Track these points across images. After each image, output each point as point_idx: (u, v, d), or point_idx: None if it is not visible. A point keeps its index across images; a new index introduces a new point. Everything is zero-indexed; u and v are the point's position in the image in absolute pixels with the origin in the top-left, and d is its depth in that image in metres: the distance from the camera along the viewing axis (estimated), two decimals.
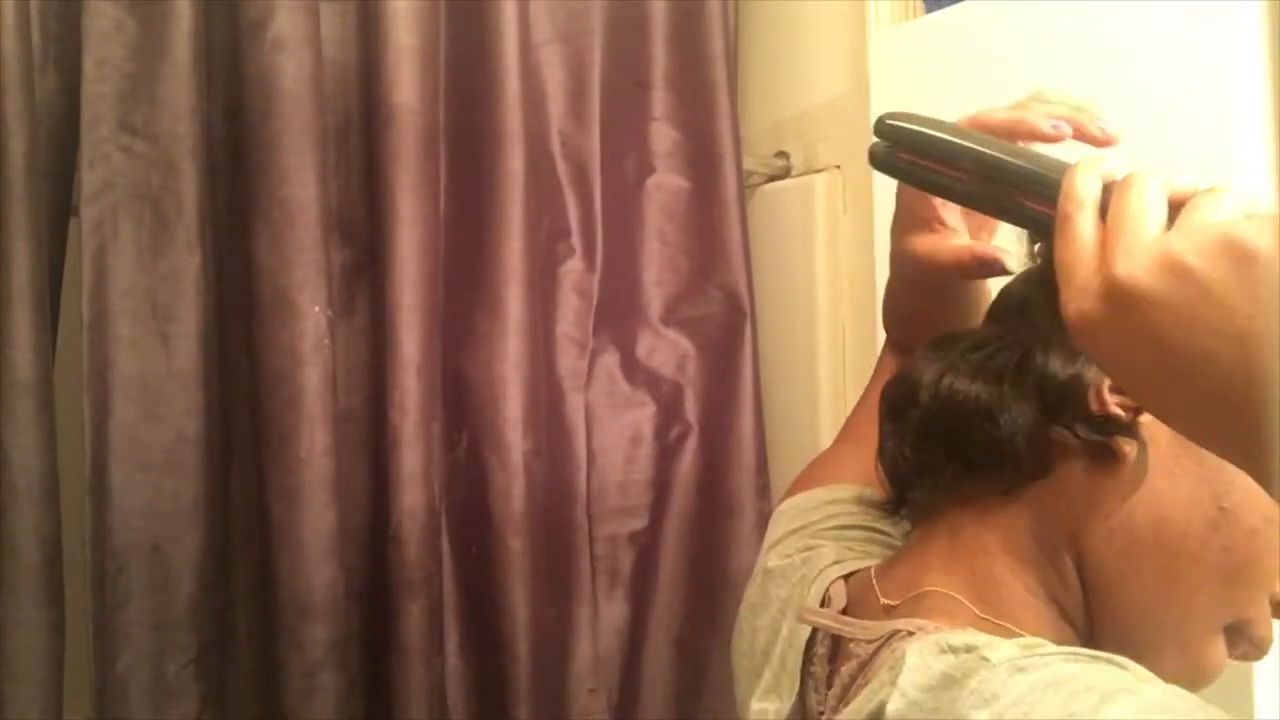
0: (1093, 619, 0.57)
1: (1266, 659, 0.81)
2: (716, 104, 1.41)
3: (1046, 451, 0.57)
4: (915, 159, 0.55)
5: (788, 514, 0.76)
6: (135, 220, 1.14)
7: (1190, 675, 0.56)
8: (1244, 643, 0.58)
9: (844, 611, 0.62)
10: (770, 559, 0.72)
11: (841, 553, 0.68)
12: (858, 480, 0.74)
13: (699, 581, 1.38)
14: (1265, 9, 0.84)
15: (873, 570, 0.63)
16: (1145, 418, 0.55)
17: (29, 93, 1.07)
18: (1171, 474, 0.55)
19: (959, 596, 0.57)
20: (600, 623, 1.34)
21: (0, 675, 1.05)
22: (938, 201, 0.63)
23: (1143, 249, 0.42)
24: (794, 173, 1.45)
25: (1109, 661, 0.48)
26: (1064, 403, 0.56)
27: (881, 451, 0.65)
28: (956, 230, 0.65)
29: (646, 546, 1.39)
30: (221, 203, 1.19)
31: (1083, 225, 0.45)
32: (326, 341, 1.15)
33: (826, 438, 1.42)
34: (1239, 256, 0.40)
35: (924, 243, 0.65)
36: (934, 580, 0.58)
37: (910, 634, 0.54)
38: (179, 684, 1.13)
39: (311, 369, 1.13)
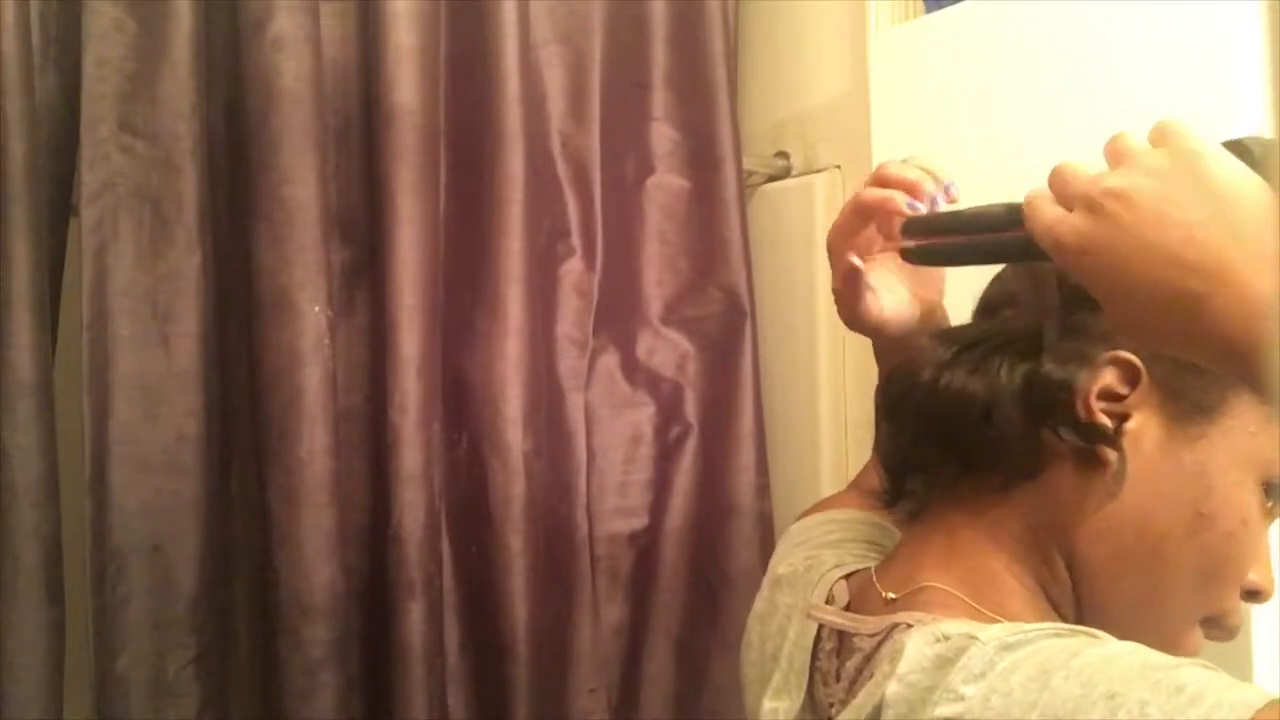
0: (1080, 610, 0.61)
1: (1266, 660, 0.81)
2: (716, 104, 1.41)
3: (1038, 452, 0.60)
4: (931, 245, 0.62)
5: (792, 535, 0.80)
6: (135, 220, 1.14)
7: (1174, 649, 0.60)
8: (1217, 629, 0.62)
9: (847, 608, 0.65)
10: (776, 570, 0.76)
11: (841, 558, 0.71)
12: (859, 509, 0.78)
13: (699, 581, 1.38)
14: (1265, 9, 0.84)
15: (873, 569, 0.65)
16: (1131, 424, 0.58)
17: (29, 93, 1.07)
18: (1154, 480, 0.58)
19: (955, 591, 0.59)
20: (600, 623, 1.34)
21: (0, 675, 1.05)
22: (869, 268, 0.70)
23: (1128, 162, 0.48)
24: (794, 173, 1.45)
25: (1086, 633, 0.52)
26: (1053, 406, 0.59)
27: (879, 449, 0.67)
28: (885, 288, 0.71)
29: (646, 546, 1.39)
30: (221, 203, 1.19)
31: (1046, 198, 0.51)
32: (326, 341, 1.15)
33: (826, 438, 1.42)
34: (1195, 155, 0.47)
35: (859, 309, 0.70)
36: (931, 576, 0.61)
37: (910, 626, 0.56)
38: (179, 684, 1.13)
39: (311, 369, 1.13)
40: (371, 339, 1.24)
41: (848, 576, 0.68)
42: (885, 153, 1.17)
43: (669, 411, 1.41)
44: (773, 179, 1.48)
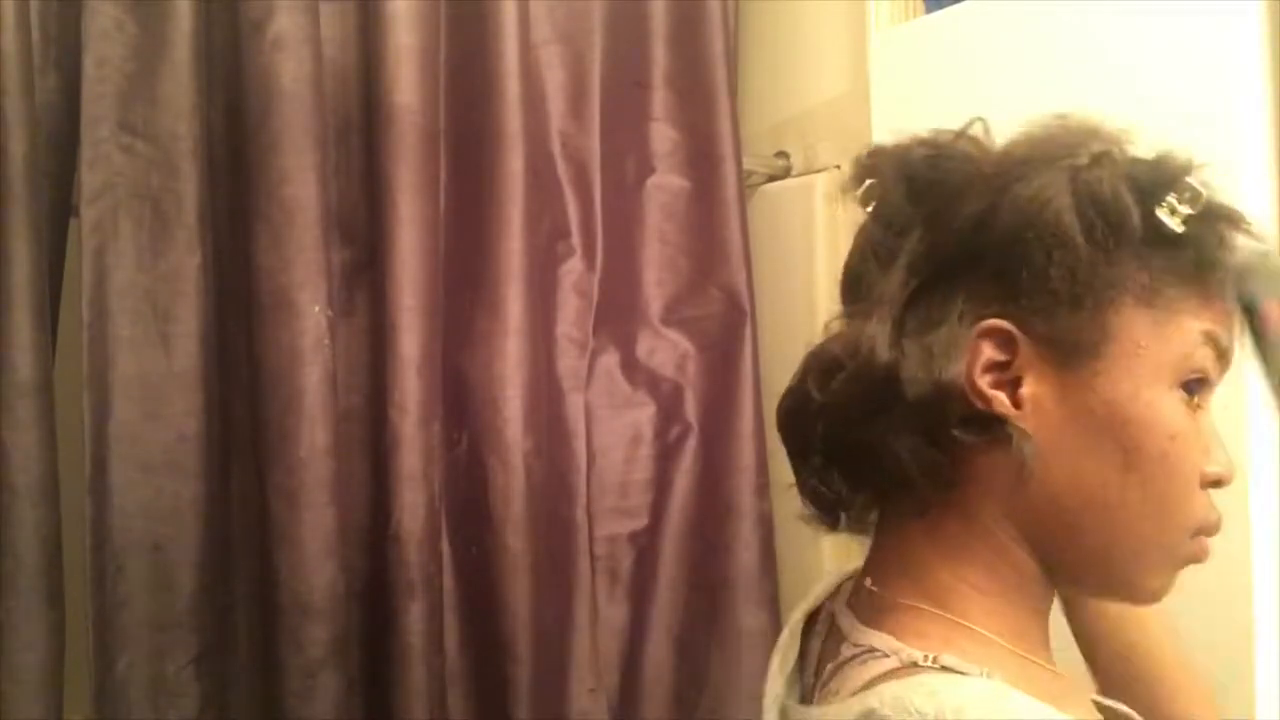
0: (1059, 579, 0.60)
1: (1266, 661, 0.81)
2: (716, 104, 1.41)
3: (943, 468, 0.57)
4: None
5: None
6: (135, 220, 1.14)
7: (1174, 579, 0.60)
8: (1206, 533, 0.59)
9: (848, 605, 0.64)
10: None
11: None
12: None
13: (699, 581, 1.38)
14: (1265, 9, 0.84)
15: (862, 574, 0.65)
16: (1025, 389, 0.56)
17: (29, 93, 1.07)
18: (1069, 437, 0.56)
19: (926, 606, 0.58)
20: (600, 623, 1.34)
21: (0, 675, 1.05)
22: None
23: None
24: (794, 173, 1.45)
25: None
26: (939, 415, 0.56)
27: (800, 487, 0.64)
28: None
29: (646, 546, 1.39)
30: (221, 203, 1.19)
31: None
32: (326, 341, 1.15)
33: None
34: None
35: None
36: (900, 592, 0.60)
37: (885, 656, 0.56)
38: (179, 684, 1.13)
39: (311, 369, 1.13)
40: (371, 339, 1.24)
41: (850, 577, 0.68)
42: None
43: (669, 411, 1.41)
44: (773, 179, 1.48)
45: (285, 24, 1.13)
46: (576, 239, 1.38)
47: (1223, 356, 0.58)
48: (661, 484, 1.40)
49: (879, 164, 0.62)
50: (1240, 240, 0.58)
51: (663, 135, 1.43)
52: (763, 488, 1.38)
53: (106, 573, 1.11)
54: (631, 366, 1.41)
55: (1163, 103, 0.88)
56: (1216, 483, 0.59)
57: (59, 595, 1.08)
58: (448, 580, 1.26)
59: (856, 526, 0.65)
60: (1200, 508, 0.58)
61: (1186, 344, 0.56)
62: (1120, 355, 0.56)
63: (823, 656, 0.63)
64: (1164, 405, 0.56)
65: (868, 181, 0.62)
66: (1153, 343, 0.56)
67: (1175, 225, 0.55)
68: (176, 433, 1.14)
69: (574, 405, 1.36)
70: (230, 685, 1.19)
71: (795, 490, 0.66)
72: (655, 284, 1.42)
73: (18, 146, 1.05)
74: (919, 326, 0.57)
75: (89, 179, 1.12)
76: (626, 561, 1.38)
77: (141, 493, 1.12)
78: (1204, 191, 0.56)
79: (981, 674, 0.54)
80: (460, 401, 1.27)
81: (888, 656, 0.56)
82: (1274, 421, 0.83)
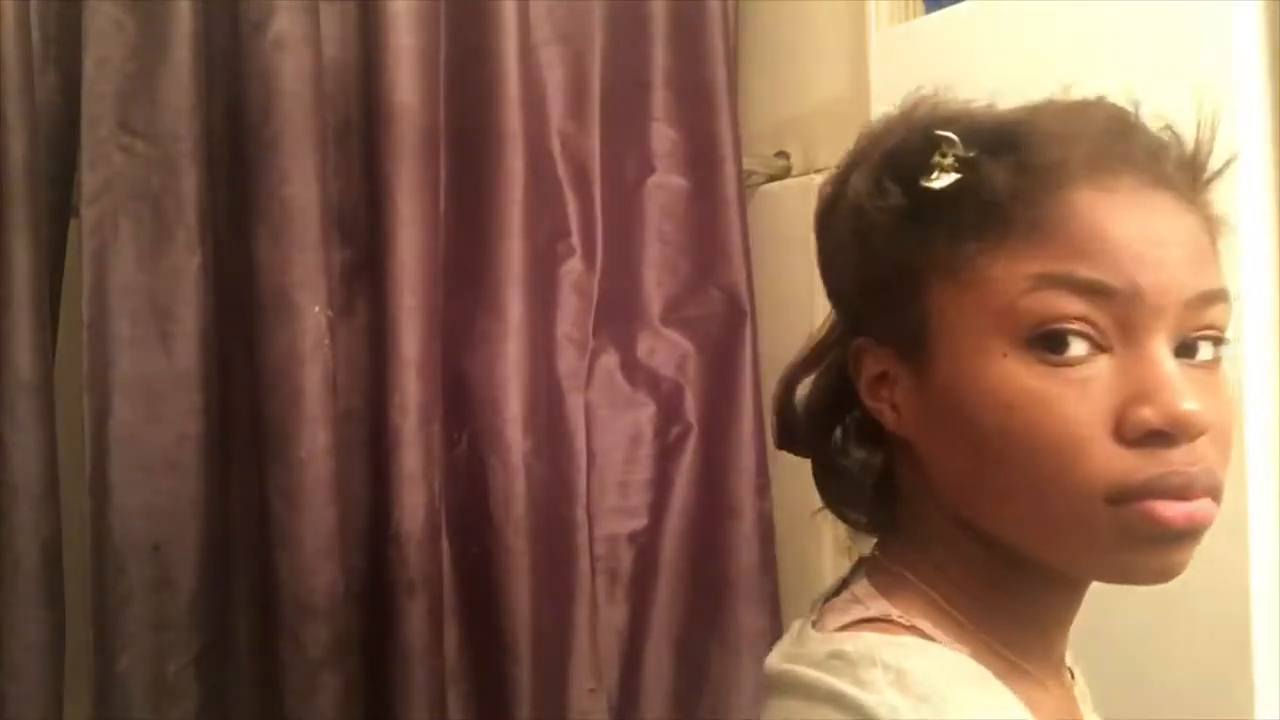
0: (1026, 549, 0.54)
1: (1266, 660, 0.81)
2: (716, 104, 1.41)
3: (888, 503, 0.60)
4: None
5: None
6: (135, 220, 1.14)
7: (1148, 555, 0.51)
8: (1143, 497, 0.50)
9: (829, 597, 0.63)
10: None
11: None
12: None
13: (699, 581, 1.38)
14: (1265, 9, 0.84)
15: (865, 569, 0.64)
16: (896, 396, 0.56)
17: (29, 93, 1.07)
18: (933, 431, 0.55)
19: (920, 583, 0.59)
20: (600, 623, 1.34)
21: (0, 675, 1.05)
22: None
23: None
24: (794, 173, 1.45)
25: None
26: (838, 442, 0.61)
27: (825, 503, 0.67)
28: None
29: (646, 546, 1.39)
30: (221, 203, 1.19)
31: None
32: (326, 341, 1.15)
33: None
34: None
35: None
36: (874, 604, 0.58)
37: (865, 606, 0.57)
38: (179, 684, 1.13)
39: (311, 369, 1.13)
40: (371, 339, 1.24)
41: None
42: None
43: (669, 411, 1.41)
44: (773, 179, 1.48)
45: (285, 24, 1.13)
46: (576, 239, 1.38)
47: (1097, 288, 0.49)
48: (661, 484, 1.40)
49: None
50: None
51: (663, 135, 1.43)
52: (763, 488, 1.38)
53: (106, 573, 1.11)
54: (631, 366, 1.41)
55: (1163, 103, 0.88)
56: (1154, 433, 0.49)
57: (59, 595, 1.08)
58: (448, 580, 1.26)
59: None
60: (1099, 471, 0.49)
61: (1007, 297, 0.50)
62: (940, 336, 0.53)
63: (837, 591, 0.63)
64: (992, 375, 0.51)
65: None
66: (964, 312, 0.52)
67: (944, 183, 0.52)
68: (176, 433, 1.14)
69: (574, 405, 1.36)
70: (230, 685, 1.19)
71: (796, 490, 0.67)
72: (655, 284, 1.42)
73: (18, 146, 1.05)
74: (822, 362, 0.63)
75: (89, 179, 1.12)
76: (626, 561, 1.38)
77: (141, 493, 1.12)
78: (958, 139, 0.52)
79: (950, 646, 0.54)
80: (460, 402, 1.27)
81: (867, 607, 0.56)
82: (1273, 420, 0.83)
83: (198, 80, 1.15)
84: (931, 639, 0.54)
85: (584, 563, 1.33)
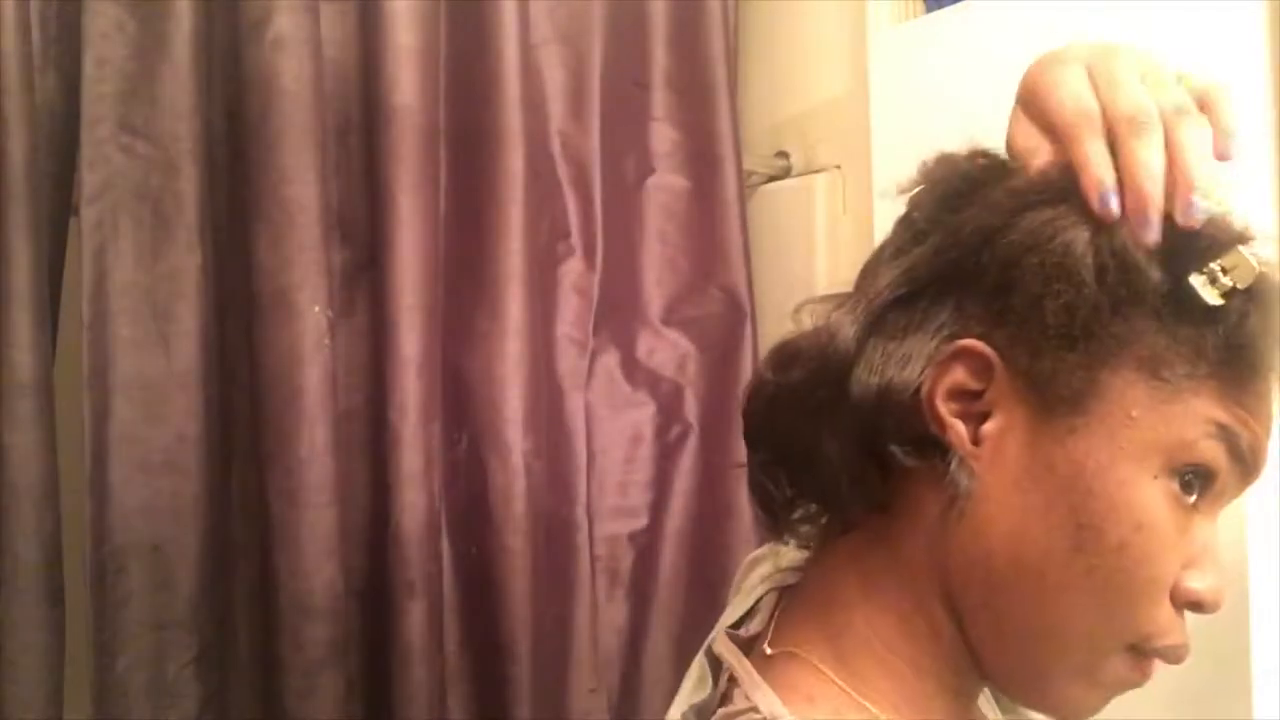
0: (978, 654, 0.53)
1: (1266, 660, 0.81)
2: (716, 104, 1.41)
3: (872, 486, 0.52)
4: None
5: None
6: (135, 220, 1.14)
7: (1095, 699, 0.53)
8: (1152, 656, 0.52)
9: (755, 638, 0.59)
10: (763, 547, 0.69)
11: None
12: None
13: (699, 581, 1.38)
14: (1265, 9, 0.84)
15: (783, 602, 0.60)
16: (989, 426, 0.50)
17: (29, 93, 1.06)
18: (1023, 491, 0.50)
19: (821, 665, 0.53)
20: (600, 623, 1.34)
21: (0, 675, 1.05)
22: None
23: None
24: (794, 173, 1.45)
25: None
26: (879, 424, 0.51)
27: (749, 480, 0.60)
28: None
29: (646, 546, 1.39)
30: (221, 203, 1.19)
31: None
32: (326, 341, 1.15)
33: None
34: None
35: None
36: (802, 638, 0.55)
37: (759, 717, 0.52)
38: (179, 684, 1.13)
39: (311, 369, 1.13)
40: (371, 339, 1.24)
41: (784, 589, 0.62)
42: (885, 153, 1.17)
43: (669, 411, 1.41)
44: (773, 179, 1.48)
45: (285, 24, 1.13)
46: (576, 239, 1.38)
47: (1241, 461, 0.50)
48: (661, 484, 1.40)
49: (934, 168, 0.58)
50: None
51: (663, 135, 1.43)
52: None
53: (106, 573, 1.11)
54: (631, 366, 1.41)
55: None
56: (1195, 605, 0.51)
57: (59, 595, 1.08)
58: (448, 580, 1.26)
59: (800, 540, 0.60)
60: (1154, 622, 0.50)
61: (1189, 431, 0.49)
62: (1105, 418, 0.49)
63: (726, 693, 0.58)
64: (1141, 490, 0.49)
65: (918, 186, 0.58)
66: (1146, 417, 0.49)
67: (1211, 297, 0.48)
68: (176, 433, 1.14)
69: (574, 405, 1.36)
70: (230, 685, 1.19)
71: None
72: (655, 284, 1.42)
73: (18, 146, 1.05)
74: (894, 330, 0.52)
75: (89, 179, 1.12)
76: (626, 561, 1.38)
77: (141, 493, 1.12)
78: (1257, 267, 0.48)
79: None
80: (460, 401, 1.27)
81: (759, 711, 0.51)
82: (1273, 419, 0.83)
83: (198, 80, 1.15)
84: None
85: (584, 563, 1.33)
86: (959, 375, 0.51)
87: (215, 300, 1.17)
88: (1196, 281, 0.48)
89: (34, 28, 1.10)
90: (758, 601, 0.61)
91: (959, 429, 0.50)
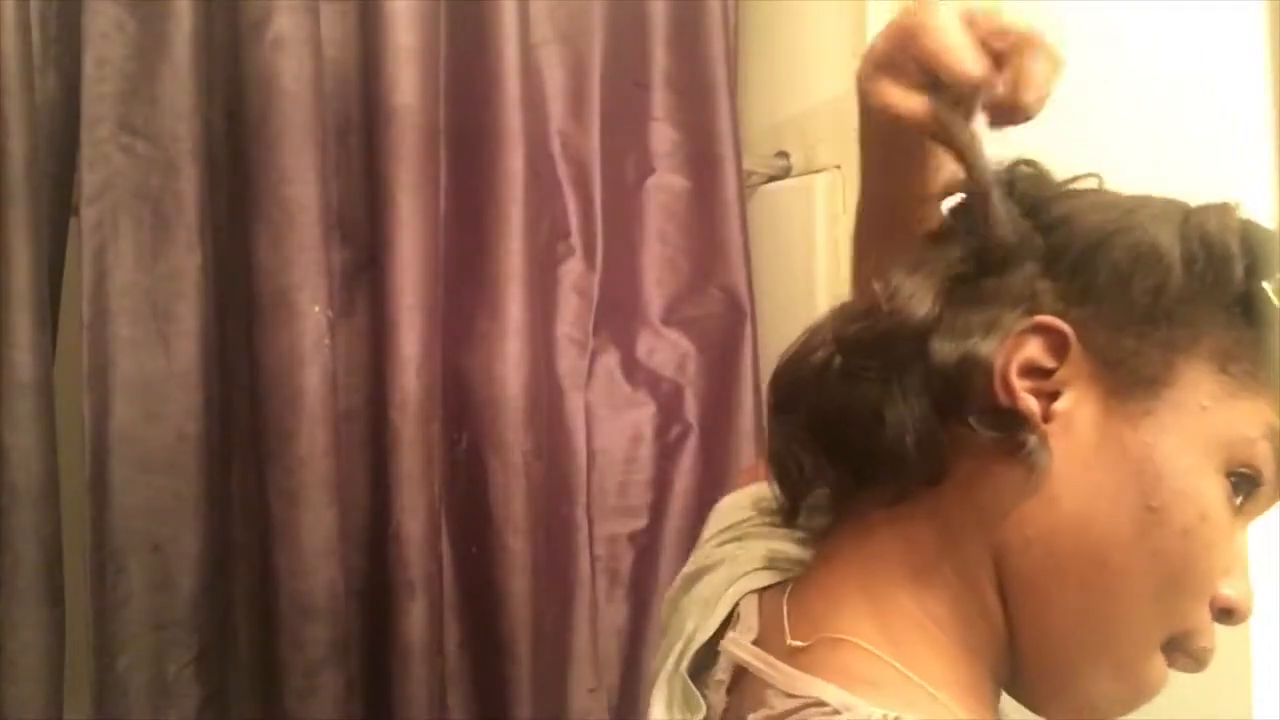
0: (1017, 643, 0.52)
1: (1266, 660, 0.81)
2: (716, 104, 1.41)
3: (941, 452, 0.50)
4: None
5: (722, 513, 0.71)
6: (135, 220, 1.14)
7: (1127, 697, 0.52)
8: (1182, 657, 0.52)
9: (755, 641, 0.56)
10: (691, 564, 0.67)
11: (769, 556, 0.62)
12: None
13: None
14: (1265, 9, 0.84)
15: (786, 596, 0.57)
16: (1061, 404, 0.50)
17: (29, 93, 1.06)
18: (1092, 471, 0.49)
19: (872, 648, 0.51)
20: (600, 623, 1.34)
21: (0, 675, 1.05)
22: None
23: None
24: (794, 173, 1.45)
25: None
26: (957, 392, 0.49)
27: (770, 452, 0.58)
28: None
29: (646, 546, 1.39)
30: (221, 203, 1.19)
31: None
32: (326, 341, 1.15)
33: None
34: None
35: (893, 91, 0.55)
36: (845, 622, 0.52)
37: (836, 712, 0.48)
38: (179, 684, 1.13)
39: (311, 369, 1.13)
40: (371, 339, 1.24)
41: (762, 591, 0.59)
42: None
43: (669, 411, 1.41)
44: (773, 179, 1.48)
45: (285, 24, 1.13)
46: (576, 239, 1.38)
47: None
48: (661, 484, 1.40)
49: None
50: None
51: (663, 135, 1.43)
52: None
53: (106, 573, 1.11)
54: (631, 366, 1.41)
55: (1163, 103, 0.88)
56: (1227, 612, 0.51)
57: (59, 595, 1.08)
58: (448, 580, 1.26)
59: (809, 525, 0.58)
60: (1199, 618, 0.51)
61: (1251, 429, 0.49)
62: (1178, 405, 0.49)
63: (734, 705, 0.54)
64: (1206, 480, 0.49)
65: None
66: (1216, 409, 0.49)
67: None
68: (176, 433, 1.14)
69: (574, 405, 1.36)
70: (230, 685, 1.19)
71: None
72: (655, 284, 1.42)
73: (18, 146, 1.05)
74: (966, 299, 0.51)
75: (89, 179, 1.12)
76: (626, 561, 1.38)
77: (141, 493, 1.12)
78: None
79: None
80: (460, 401, 1.27)
81: (838, 713, 0.48)
82: None
83: (198, 80, 1.15)
84: None
85: (584, 563, 1.33)
86: (1034, 350, 0.50)
87: (215, 300, 1.17)
88: (1270, 285, 0.49)
89: (34, 28, 1.10)
90: (734, 608, 0.59)
91: (1032, 404, 0.49)
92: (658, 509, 1.39)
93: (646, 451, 1.40)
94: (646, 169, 1.43)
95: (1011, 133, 0.57)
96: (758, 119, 1.50)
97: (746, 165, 1.44)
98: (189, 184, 1.14)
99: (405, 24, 1.20)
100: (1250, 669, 0.81)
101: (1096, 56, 0.94)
